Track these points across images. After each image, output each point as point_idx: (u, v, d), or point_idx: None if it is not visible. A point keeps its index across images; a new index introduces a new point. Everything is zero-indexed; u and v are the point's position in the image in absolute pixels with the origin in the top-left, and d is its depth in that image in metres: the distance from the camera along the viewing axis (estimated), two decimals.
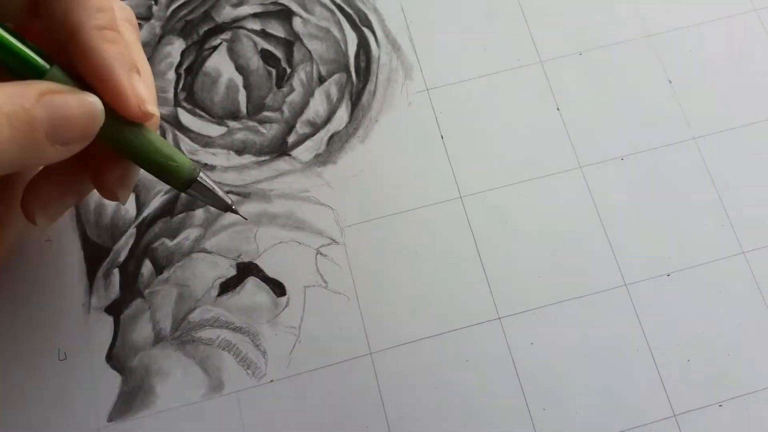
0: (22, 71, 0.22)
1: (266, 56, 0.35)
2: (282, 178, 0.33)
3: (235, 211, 0.28)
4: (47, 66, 0.22)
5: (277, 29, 0.35)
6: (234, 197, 0.33)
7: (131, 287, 0.31)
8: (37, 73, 0.22)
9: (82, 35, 0.22)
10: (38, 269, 0.31)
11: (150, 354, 0.30)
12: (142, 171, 0.26)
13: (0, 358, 0.30)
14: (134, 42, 0.26)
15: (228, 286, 0.31)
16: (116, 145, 0.24)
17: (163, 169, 0.25)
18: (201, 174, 0.26)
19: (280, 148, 0.34)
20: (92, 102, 0.22)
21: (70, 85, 0.23)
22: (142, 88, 0.23)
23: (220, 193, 0.27)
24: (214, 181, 0.28)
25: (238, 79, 0.35)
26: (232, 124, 0.34)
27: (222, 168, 0.33)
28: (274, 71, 0.35)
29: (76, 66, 0.23)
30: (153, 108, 0.24)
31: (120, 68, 0.22)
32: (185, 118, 0.34)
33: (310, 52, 0.35)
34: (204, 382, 0.30)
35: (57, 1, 0.22)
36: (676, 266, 0.32)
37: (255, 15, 0.36)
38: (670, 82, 0.35)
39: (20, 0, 0.23)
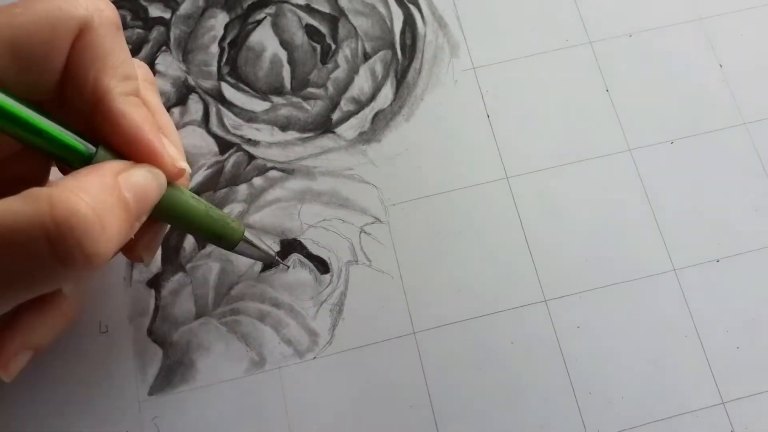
0: (65, 156, 0.22)
1: (311, 32, 0.35)
2: (326, 156, 0.33)
3: (279, 262, 0.28)
4: (93, 149, 0.22)
5: (322, 4, 0.35)
6: (276, 172, 0.32)
7: (173, 261, 0.31)
8: (82, 157, 0.22)
9: (111, 100, 0.22)
10: None
11: (191, 328, 0.30)
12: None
13: None
14: (156, 103, 0.27)
15: (272, 262, 0.31)
16: (162, 212, 0.24)
17: (208, 232, 0.26)
18: (246, 233, 0.27)
19: (324, 125, 0.33)
20: (159, 172, 0.23)
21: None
22: (172, 147, 0.24)
23: (265, 247, 0.27)
24: (259, 238, 0.29)
25: (283, 55, 0.34)
26: (276, 99, 0.33)
27: (266, 144, 0.33)
28: (318, 47, 0.34)
29: (106, 134, 0.23)
30: (185, 164, 0.24)
31: (150, 130, 0.23)
32: (229, 92, 0.34)
33: (355, 28, 0.35)
34: (246, 357, 0.30)
35: (88, 68, 0.22)
36: (725, 252, 0.31)
37: None
38: (721, 66, 0.34)
39: (52, 77, 0.22)
